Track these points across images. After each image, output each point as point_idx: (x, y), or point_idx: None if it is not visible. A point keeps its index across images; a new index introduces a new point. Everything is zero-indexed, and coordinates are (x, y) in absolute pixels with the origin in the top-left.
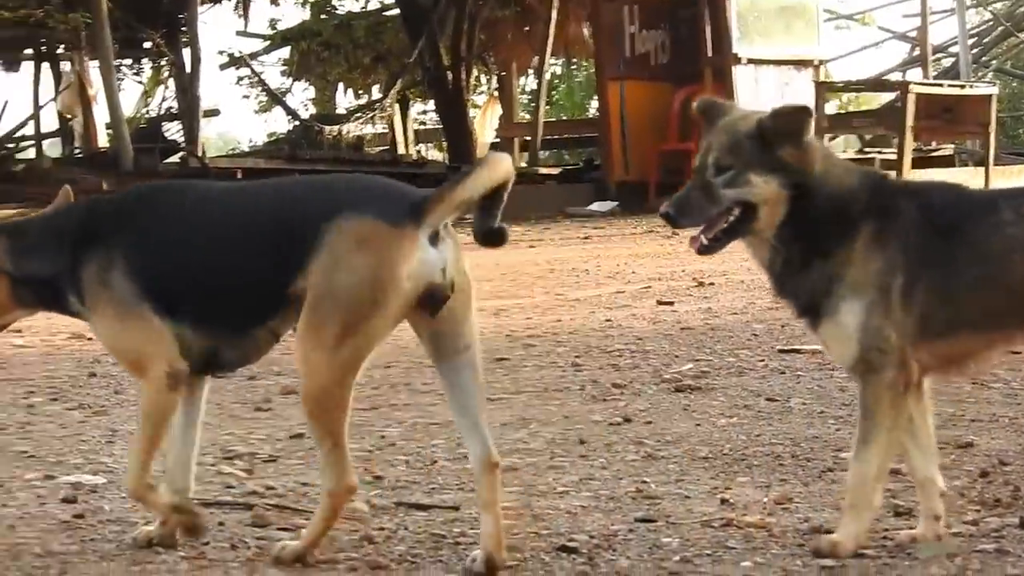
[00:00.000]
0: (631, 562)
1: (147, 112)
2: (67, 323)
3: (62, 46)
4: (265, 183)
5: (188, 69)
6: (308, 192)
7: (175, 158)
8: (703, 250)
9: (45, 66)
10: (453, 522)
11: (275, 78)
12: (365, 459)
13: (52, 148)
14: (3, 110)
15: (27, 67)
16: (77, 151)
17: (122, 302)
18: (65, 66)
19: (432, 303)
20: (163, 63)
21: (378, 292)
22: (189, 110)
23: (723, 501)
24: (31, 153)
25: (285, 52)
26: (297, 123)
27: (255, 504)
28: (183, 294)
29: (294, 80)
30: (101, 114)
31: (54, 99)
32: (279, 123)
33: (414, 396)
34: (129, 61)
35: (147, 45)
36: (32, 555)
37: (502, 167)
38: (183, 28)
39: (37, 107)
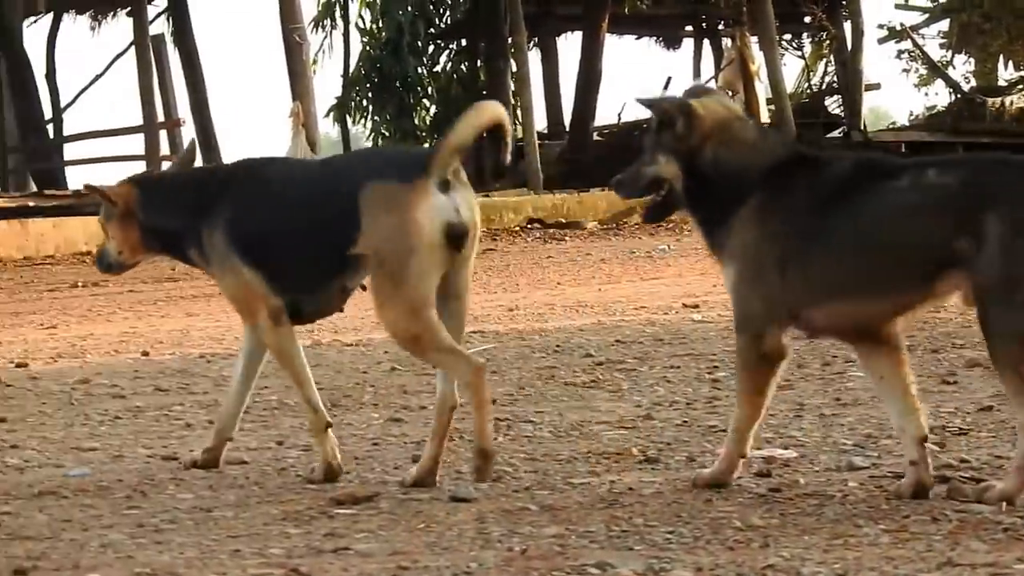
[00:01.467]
0: None
1: (808, 87)
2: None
3: (722, 22)
4: (325, 159)
5: (849, 43)
6: (347, 165)
7: (836, 133)
8: (645, 219)
9: (705, 42)
10: None
11: (934, 51)
12: None
13: None
14: (666, 87)
15: (688, 44)
16: None
17: (229, 262)
18: (726, 42)
19: (454, 240)
20: (824, 37)
21: (409, 240)
22: (850, 84)
23: None
24: None
25: (944, 24)
26: (958, 96)
27: (951, 477)
28: (268, 255)
29: (954, 53)
30: (762, 90)
31: (715, 76)
32: (939, 96)
33: None
34: (788, 36)
35: (807, 19)
36: (733, 528)
37: (486, 112)
38: (844, 2)
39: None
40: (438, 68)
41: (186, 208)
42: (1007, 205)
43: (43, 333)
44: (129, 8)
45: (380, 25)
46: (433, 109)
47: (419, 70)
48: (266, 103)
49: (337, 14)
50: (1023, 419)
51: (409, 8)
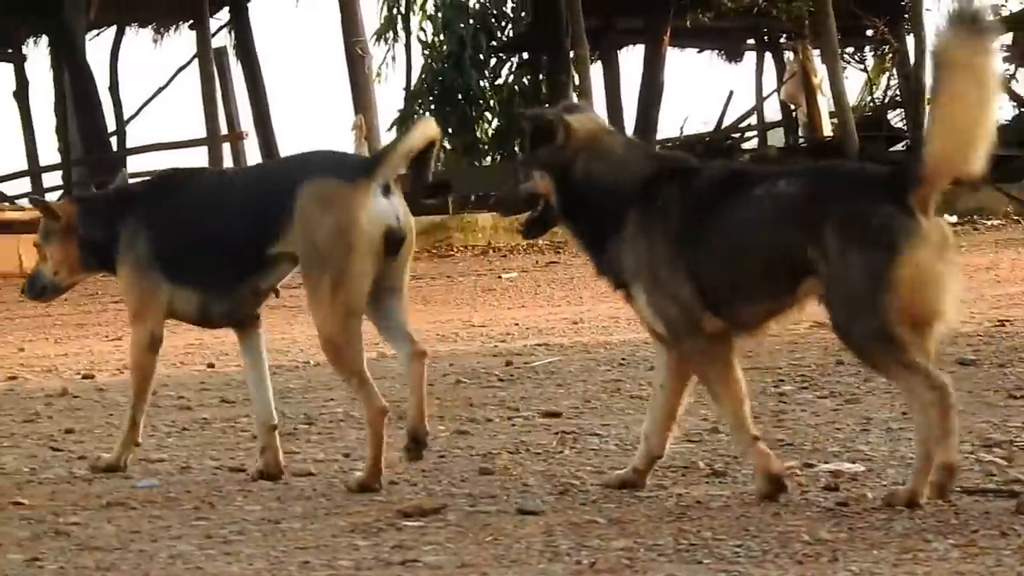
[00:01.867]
0: None
1: (871, 100)
2: None
3: (785, 35)
4: (260, 163)
5: (912, 56)
6: (280, 167)
7: (900, 146)
8: (524, 235)
9: (767, 56)
10: None
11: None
12: None
13: (776, 137)
14: (728, 100)
15: (750, 57)
16: (801, 140)
17: (137, 265)
18: (788, 55)
19: (392, 244)
20: (887, 51)
21: (349, 238)
22: (913, 97)
23: None
24: (754, 143)
25: (1007, 38)
26: (1022, 109)
27: (1020, 492)
28: (182, 257)
29: (1017, 66)
30: (824, 103)
31: (777, 89)
32: (1003, 110)
33: None
34: (851, 49)
35: (869, 33)
36: (801, 542)
37: (431, 128)
38: (906, 15)
39: (760, 97)
40: (500, 81)
41: (112, 215)
42: (837, 216)
43: (108, 344)
44: (192, 21)
45: (442, 38)
46: (495, 122)
47: (481, 83)
48: (329, 116)
49: (399, 27)
50: (929, 397)
51: (471, 21)
